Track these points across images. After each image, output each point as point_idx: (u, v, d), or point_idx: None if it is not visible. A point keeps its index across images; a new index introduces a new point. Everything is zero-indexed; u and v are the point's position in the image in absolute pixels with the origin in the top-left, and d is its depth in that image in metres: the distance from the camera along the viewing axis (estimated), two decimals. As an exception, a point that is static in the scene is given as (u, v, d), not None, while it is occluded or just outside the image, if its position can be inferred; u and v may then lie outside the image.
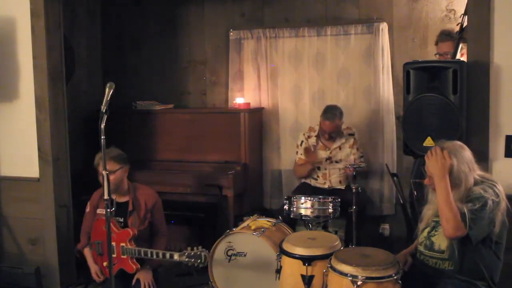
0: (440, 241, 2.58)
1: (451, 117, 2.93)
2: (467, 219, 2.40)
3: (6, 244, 4.07)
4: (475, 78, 3.05)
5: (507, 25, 3.01)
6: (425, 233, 2.69)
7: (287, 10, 4.76)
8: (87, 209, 3.60)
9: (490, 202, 2.43)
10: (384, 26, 4.40)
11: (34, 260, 3.97)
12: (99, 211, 3.48)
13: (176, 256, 3.18)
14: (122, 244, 3.32)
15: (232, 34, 4.88)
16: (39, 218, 3.92)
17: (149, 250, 3.28)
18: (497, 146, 3.08)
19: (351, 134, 4.30)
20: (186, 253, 3.16)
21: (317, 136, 4.33)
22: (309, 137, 4.36)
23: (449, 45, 3.71)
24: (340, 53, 4.58)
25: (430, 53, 4.27)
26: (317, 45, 4.63)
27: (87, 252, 3.53)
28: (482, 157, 3.08)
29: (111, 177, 3.22)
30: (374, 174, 4.52)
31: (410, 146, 3.10)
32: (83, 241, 3.58)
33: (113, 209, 2.80)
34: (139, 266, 3.37)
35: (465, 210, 2.42)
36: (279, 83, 4.78)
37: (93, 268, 3.45)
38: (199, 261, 3.14)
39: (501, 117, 3.06)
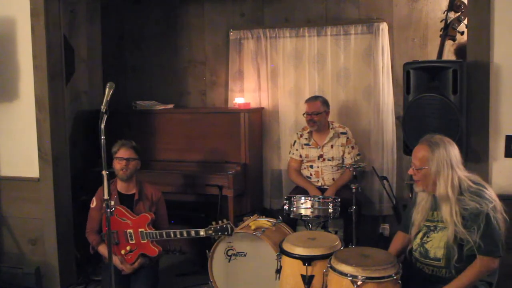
0: (435, 249, 2.56)
1: (451, 117, 2.93)
2: (484, 250, 2.40)
3: (6, 244, 4.07)
4: (475, 78, 3.05)
5: (507, 25, 3.02)
6: (418, 240, 2.65)
7: (287, 10, 4.75)
8: (93, 205, 3.59)
9: (491, 213, 2.42)
10: (384, 26, 4.39)
11: (34, 260, 3.97)
12: None
13: (202, 232, 3.25)
14: (140, 229, 3.38)
15: (232, 34, 4.87)
16: (39, 218, 3.92)
17: (171, 231, 3.35)
18: (497, 146, 3.08)
19: (344, 133, 4.27)
20: (212, 228, 3.21)
21: (309, 133, 4.32)
22: (301, 135, 4.35)
23: None
24: (340, 53, 4.58)
25: (430, 53, 4.27)
26: (317, 45, 4.62)
27: (103, 249, 3.49)
28: (482, 157, 3.09)
29: (130, 165, 3.51)
30: (374, 174, 4.50)
31: (410, 146, 3.10)
32: (95, 239, 3.54)
33: (113, 209, 2.81)
34: (161, 248, 3.44)
35: (474, 240, 2.40)
36: (279, 83, 4.77)
37: (116, 261, 3.39)
38: (226, 233, 3.20)
39: (501, 117, 3.06)
